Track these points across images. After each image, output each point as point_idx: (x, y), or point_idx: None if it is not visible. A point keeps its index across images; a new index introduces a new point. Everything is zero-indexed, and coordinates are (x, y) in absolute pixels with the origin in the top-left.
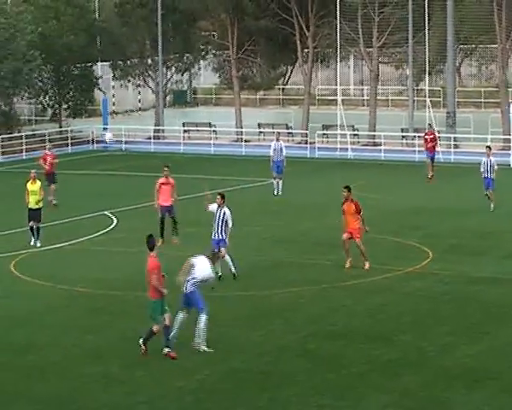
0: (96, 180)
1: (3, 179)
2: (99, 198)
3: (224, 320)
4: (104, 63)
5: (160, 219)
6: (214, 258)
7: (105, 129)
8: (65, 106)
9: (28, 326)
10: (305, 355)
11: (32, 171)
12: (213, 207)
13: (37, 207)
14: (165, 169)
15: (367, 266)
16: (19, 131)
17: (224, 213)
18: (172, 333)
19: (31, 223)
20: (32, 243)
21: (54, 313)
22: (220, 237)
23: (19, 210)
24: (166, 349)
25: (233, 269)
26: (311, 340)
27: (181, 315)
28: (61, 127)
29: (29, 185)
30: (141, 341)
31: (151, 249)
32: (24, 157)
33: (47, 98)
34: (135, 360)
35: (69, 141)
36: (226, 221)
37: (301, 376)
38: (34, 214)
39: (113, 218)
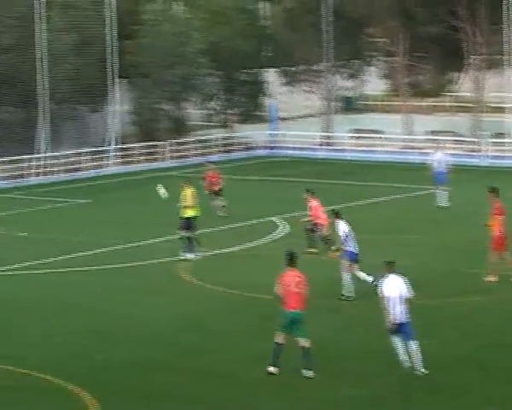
0: (264, 186)
1: (174, 183)
2: (266, 203)
3: None
4: (272, 69)
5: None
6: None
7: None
8: (233, 111)
9: (198, 330)
10: (479, 366)
11: (184, 180)
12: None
13: (188, 215)
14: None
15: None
16: (189, 137)
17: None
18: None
19: (183, 232)
20: (181, 255)
21: (224, 318)
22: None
23: None
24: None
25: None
26: (485, 350)
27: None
28: (229, 133)
29: (182, 193)
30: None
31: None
32: (193, 162)
33: (215, 104)
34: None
35: (237, 146)
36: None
37: (475, 387)
38: (186, 224)
39: (281, 223)
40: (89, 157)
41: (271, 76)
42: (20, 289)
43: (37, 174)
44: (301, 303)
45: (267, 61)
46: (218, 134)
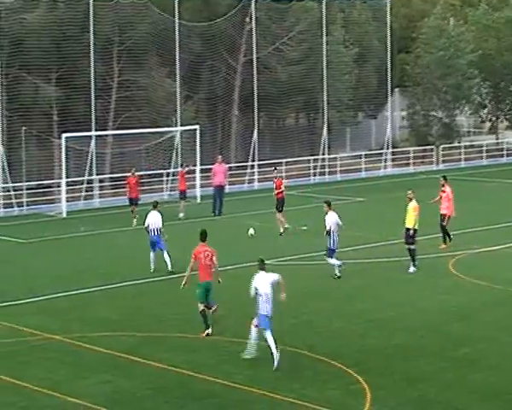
0: None
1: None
2: None
3: None
4: None
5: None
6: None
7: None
8: (502, 119)
9: (465, 321)
10: None
11: (409, 192)
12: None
13: (409, 226)
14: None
15: None
16: (458, 142)
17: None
18: None
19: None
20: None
21: (489, 311)
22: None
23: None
24: None
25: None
26: None
27: None
28: (497, 139)
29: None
30: None
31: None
32: (462, 165)
33: (485, 112)
34: None
35: (504, 152)
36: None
37: None
38: (405, 235)
39: None
40: (365, 159)
41: None
42: (304, 280)
43: (317, 174)
44: (211, 275)
45: None
46: (486, 140)
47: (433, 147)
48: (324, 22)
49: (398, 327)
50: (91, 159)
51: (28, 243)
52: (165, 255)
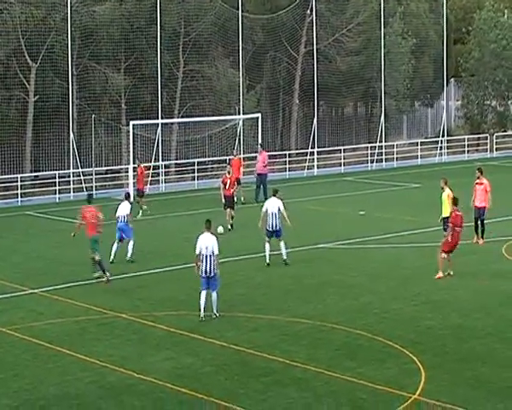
0: None
1: (497, 171)
2: None
3: None
4: None
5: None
6: None
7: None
8: None
9: None
10: None
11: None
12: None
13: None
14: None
15: None
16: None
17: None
18: None
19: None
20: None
21: None
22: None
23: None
24: None
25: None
26: None
27: None
28: None
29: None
30: None
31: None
32: None
33: None
34: None
35: None
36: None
37: None
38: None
39: None
40: (421, 147)
41: None
42: (363, 262)
43: (375, 161)
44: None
45: None
46: None
47: (487, 135)
48: (383, 14)
49: (452, 309)
50: (157, 146)
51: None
52: (130, 243)
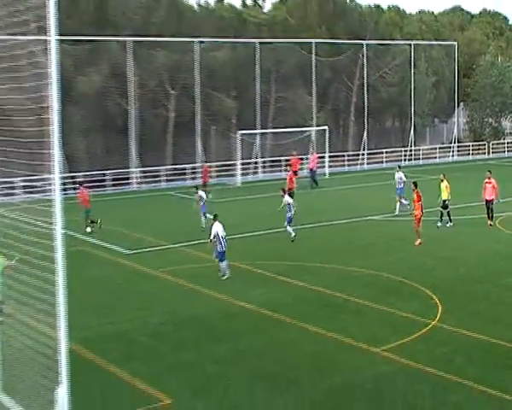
0: None
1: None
2: None
3: None
4: None
5: (486, 207)
6: None
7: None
8: None
9: (507, 260)
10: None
11: (441, 175)
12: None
13: (445, 198)
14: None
15: None
16: (503, 139)
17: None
18: None
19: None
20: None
21: None
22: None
23: None
24: None
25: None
26: None
27: None
28: None
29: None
30: None
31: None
32: (505, 155)
33: None
34: None
35: None
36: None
37: None
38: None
39: None
40: (439, 150)
41: None
42: (400, 229)
43: (406, 160)
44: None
45: None
46: None
47: (485, 143)
48: (412, 58)
49: (460, 263)
50: (257, 147)
51: (217, 202)
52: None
